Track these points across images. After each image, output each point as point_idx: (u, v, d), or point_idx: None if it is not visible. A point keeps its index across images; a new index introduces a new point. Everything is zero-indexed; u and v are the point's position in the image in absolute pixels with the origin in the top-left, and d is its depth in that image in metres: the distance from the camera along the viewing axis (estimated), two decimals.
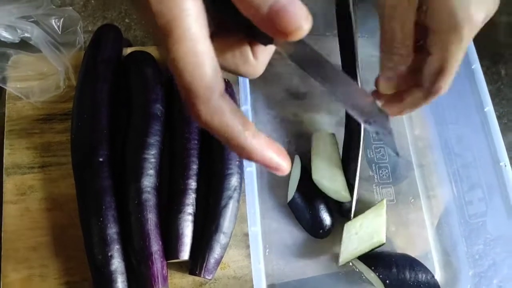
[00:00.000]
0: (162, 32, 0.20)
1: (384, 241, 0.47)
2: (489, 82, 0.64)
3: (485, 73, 0.65)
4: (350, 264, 0.49)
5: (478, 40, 0.65)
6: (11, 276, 0.43)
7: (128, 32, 0.58)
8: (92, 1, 0.59)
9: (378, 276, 0.45)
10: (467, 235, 0.50)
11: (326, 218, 0.48)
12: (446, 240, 0.52)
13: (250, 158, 0.23)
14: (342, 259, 0.47)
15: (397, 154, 0.46)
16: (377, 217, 0.48)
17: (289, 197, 0.49)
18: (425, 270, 0.47)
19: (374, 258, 0.47)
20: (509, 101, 0.64)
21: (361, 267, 0.47)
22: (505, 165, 0.45)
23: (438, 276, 0.50)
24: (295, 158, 0.51)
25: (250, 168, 0.40)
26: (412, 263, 0.47)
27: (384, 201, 0.49)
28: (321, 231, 0.48)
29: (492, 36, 0.67)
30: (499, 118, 0.62)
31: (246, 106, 0.42)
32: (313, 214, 0.48)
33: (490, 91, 0.63)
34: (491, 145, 0.46)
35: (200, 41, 0.20)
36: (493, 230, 0.47)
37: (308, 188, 0.49)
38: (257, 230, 0.39)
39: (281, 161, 0.24)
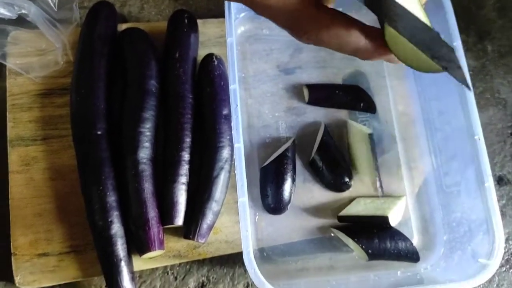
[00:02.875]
0: None
1: (386, 215, 0.50)
2: (474, 58, 0.66)
3: (471, 49, 0.67)
4: (332, 235, 0.52)
5: (466, 16, 0.67)
6: (19, 240, 0.46)
7: (123, 7, 0.59)
8: None
9: (361, 246, 0.49)
10: (444, 204, 0.54)
11: (285, 197, 0.51)
12: (425, 208, 0.55)
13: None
14: (343, 213, 0.52)
15: (469, 88, 0.35)
16: (390, 203, 0.52)
17: (267, 161, 0.52)
18: (404, 238, 0.51)
19: (357, 231, 0.51)
20: (492, 77, 0.66)
21: (345, 238, 0.51)
22: (479, 139, 0.48)
23: (416, 241, 0.54)
24: None
25: (238, 144, 0.43)
26: (392, 234, 0.51)
27: (404, 198, 0.54)
28: (272, 205, 0.51)
29: (480, 12, 0.69)
30: (482, 93, 0.65)
31: (234, 85, 0.44)
32: (276, 187, 0.50)
33: (475, 67, 0.66)
34: (467, 119, 0.49)
35: None
36: (466, 198, 0.50)
37: (285, 162, 0.51)
38: (245, 201, 0.42)
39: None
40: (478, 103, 0.63)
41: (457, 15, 0.66)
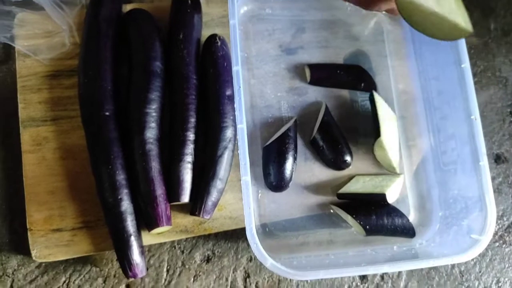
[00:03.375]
0: None
1: (384, 192, 0.52)
2: (477, 36, 0.66)
3: (474, 27, 0.67)
4: (331, 211, 0.55)
5: None
6: (34, 216, 0.49)
7: None
8: None
9: (359, 223, 0.51)
10: (441, 181, 0.55)
11: (287, 175, 0.53)
12: (422, 185, 0.57)
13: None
14: (342, 190, 0.54)
15: None
16: (388, 180, 0.54)
17: (269, 141, 0.53)
18: (401, 215, 0.53)
19: (355, 207, 0.53)
20: (494, 56, 0.66)
21: (344, 215, 0.53)
22: (475, 119, 0.49)
23: (412, 217, 0.56)
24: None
25: (241, 125, 0.45)
26: (389, 210, 0.53)
27: (402, 176, 0.55)
28: (274, 183, 0.52)
29: None
30: (483, 71, 0.65)
31: (237, 67, 0.45)
32: (278, 166, 0.52)
33: (477, 45, 0.66)
34: (465, 99, 0.50)
35: None
36: (462, 176, 0.52)
37: (286, 141, 0.53)
38: (248, 179, 0.44)
39: None
40: (479, 81, 0.64)
41: None
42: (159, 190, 0.48)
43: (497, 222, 0.59)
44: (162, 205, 0.48)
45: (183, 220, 0.51)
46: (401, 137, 0.58)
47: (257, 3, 0.59)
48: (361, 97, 0.59)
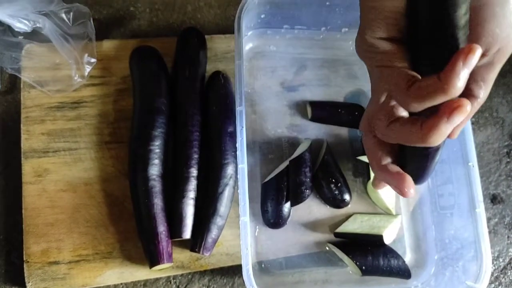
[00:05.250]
0: None
1: (381, 234, 0.52)
2: None
3: None
4: (327, 248, 0.55)
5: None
6: (32, 248, 0.49)
7: (132, 21, 0.61)
8: None
9: (355, 263, 0.51)
10: (437, 223, 0.56)
11: (285, 213, 0.53)
12: (418, 226, 0.57)
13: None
14: (339, 229, 0.54)
15: None
16: (386, 221, 0.54)
17: (267, 178, 0.54)
18: (397, 256, 0.53)
19: (352, 247, 0.53)
20: (492, 97, 0.67)
21: (340, 254, 0.53)
22: (473, 166, 0.50)
23: (408, 258, 0.56)
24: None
25: (242, 165, 0.45)
26: (385, 251, 0.53)
27: (399, 216, 0.56)
28: (272, 220, 0.53)
29: None
30: (481, 112, 0.66)
31: (241, 107, 0.46)
32: (276, 203, 0.53)
33: None
34: (463, 145, 0.51)
35: None
36: (458, 221, 0.52)
37: (285, 179, 0.53)
38: (247, 220, 0.44)
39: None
40: (476, 122, 0.65)
41: None
42: (161, 227, 0.48)
43: (492, 263, 0.59)
44: (164, 242, 0.48)
45: (180, 255, 0.51)
46: None
47: (262, 40, 0.60)
48: (361, 136, 0.59)
